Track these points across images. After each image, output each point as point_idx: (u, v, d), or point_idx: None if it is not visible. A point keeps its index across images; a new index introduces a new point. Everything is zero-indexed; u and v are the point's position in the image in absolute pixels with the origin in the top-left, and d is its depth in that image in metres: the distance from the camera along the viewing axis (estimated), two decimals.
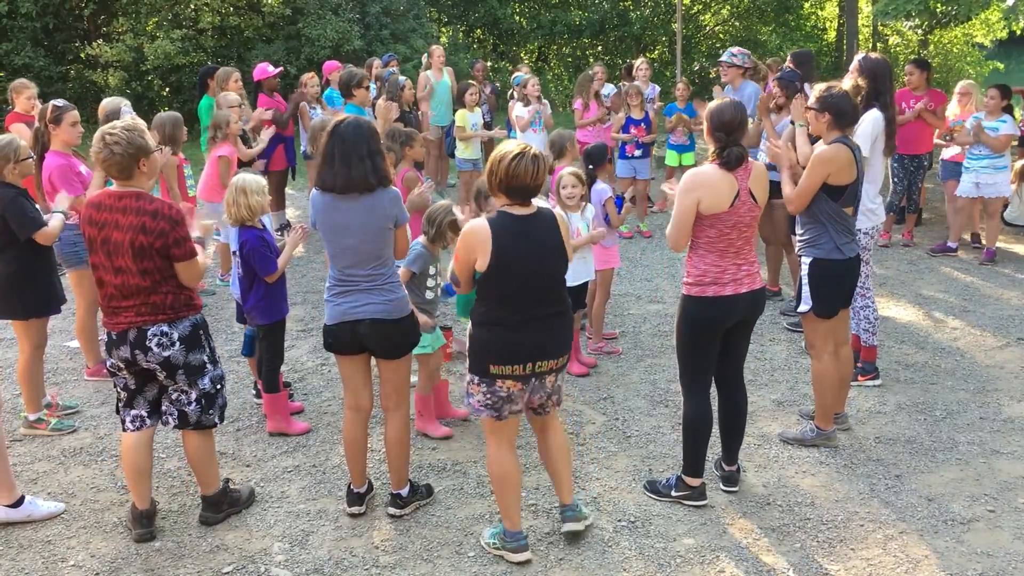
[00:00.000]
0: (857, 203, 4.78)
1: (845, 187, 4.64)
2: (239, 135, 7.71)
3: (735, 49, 8.30)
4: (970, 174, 8.40)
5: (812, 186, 4.65)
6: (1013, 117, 8.39)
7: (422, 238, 5.06)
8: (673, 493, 4.43)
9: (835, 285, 4.80)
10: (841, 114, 4.69)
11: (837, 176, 4.62)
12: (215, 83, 8.61)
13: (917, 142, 8.65)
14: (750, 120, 7.56)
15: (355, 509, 4.42)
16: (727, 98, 4.89)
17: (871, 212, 5.35)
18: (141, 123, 4.14)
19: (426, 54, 11.52)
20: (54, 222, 5.14)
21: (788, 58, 7.75)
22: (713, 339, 4.30)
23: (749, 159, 4.21)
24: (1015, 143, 8.66)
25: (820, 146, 4.76)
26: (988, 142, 8.16)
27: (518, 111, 9.48)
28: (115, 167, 3.95)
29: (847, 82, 5.06)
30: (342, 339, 4.21)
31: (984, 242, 8.62)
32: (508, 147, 3.81)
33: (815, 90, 4.82)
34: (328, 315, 4.23)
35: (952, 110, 8.74)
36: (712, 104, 4.30)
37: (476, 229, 3.79)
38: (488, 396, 3.88)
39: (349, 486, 4.46)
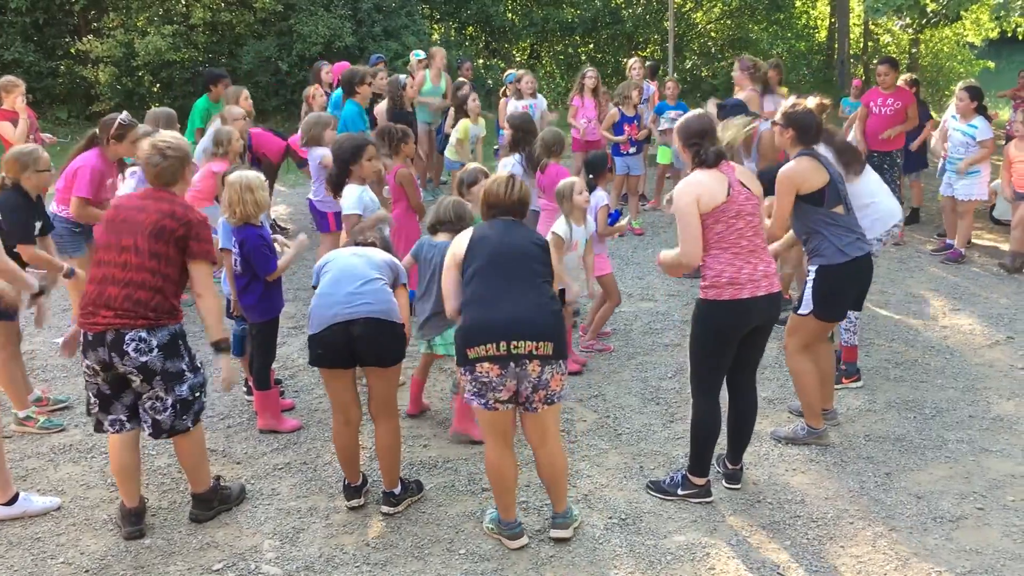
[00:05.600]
0: (846, 201, 4.78)
1: (822, 190, 4.67)
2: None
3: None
4: (946, 174, 8.52)
5: (785, 206, 4.74)
6: (987, 118, 8.41)
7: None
8: (679, 492, 4.45)
9: (843, 289, 4.80)
10: (804, 130, 4.78)
11: (807, 184, 4.67)
12: (221, 92, 8.61)
13: (885, 140, 8.69)
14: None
15: (354, 502, 4.43)
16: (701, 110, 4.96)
17: (879, 220, 5.30)
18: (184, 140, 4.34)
19: (415, 53, 11.36)
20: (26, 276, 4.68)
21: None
22: (730, 345, 4.26)
23: (728, 160, 4.26)
24: (1001, 142, 8.70)
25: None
26: (977, 158, 8.17)
27: (511, 107, 9.43)
28: (166, 173, 4.09)
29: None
30: (334, 344, 4.14)
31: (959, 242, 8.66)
32: (495, 176, 4.23)
33: (781, 106, 4.93)
34: (315, 324, 4.17)
35: (951, 112, 8.76)
36: (680, 120, 4.43)
37: (461, 237, 4.13)
38: (473, 384, 3.88)
39: (345, 482, 4.46)
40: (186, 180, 4.22)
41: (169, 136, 4.20)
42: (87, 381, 4.14)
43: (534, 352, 3.79)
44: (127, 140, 5.94)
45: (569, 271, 5.55)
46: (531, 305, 3.83)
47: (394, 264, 4.45)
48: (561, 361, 3.91)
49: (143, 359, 3.97)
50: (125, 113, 6.17)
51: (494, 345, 3.77)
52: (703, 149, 4.19)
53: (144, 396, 4.08)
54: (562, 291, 5.76)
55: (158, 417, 4.10)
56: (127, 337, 3.94)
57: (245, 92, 8.63)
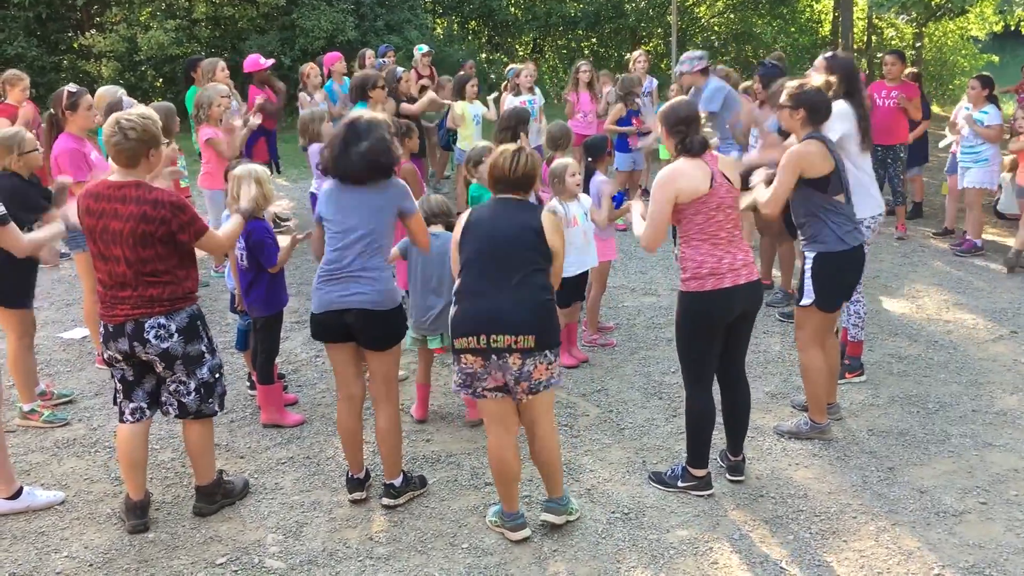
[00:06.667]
0: (847, 190, 4.76)
1: (827, 176, 4.64)
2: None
3: (683, 56, 7.98)
4: (958, 167, 8.52)
5: (786, 185, 4.63)
6: (998, 107, 8.40)
7: None
8: (680, 484, 4.45)
9: (839, 278, 4.79)
10: (815, 110, 4.66)
11: (813, 169, 4.61)
12: (200, 75, 8.57)
13: (889, 133, 8.66)
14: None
15: (357, 495, 4.43)
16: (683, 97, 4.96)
17: (871, 202, 5.33)
18: (155, 113, 4.15)
19: (418, 48, 11.29)
20: (41, 233, 4.69)
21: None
22: (715, 335, 4.28)
23: (711, 148, 4.28)
24: (1007, 135, 8.69)
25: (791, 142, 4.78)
26: (981, 133, 8.20)
27: (509, 102, 9.41)
28: (125, 153, 3.94)
29: (817, 79, 5.02)
30: (329, 327, 4.22)
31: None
32: (503, 147, 4.08)
33: (787, 87, 4.80)
34: (315, 303, 4.23)
35: (963, 103, 8.74)
36: (664, 105, 4.41)
37: (460, 219, 4.09)
38: (459, 374, 3.96)
39: (348, 474, 4.47)
40: (151, 163, 4.04)
41: (136, 114, 4.00)
42: (112, 368, 4.19)
43: (513, 346, 3.82)
44: (81, 108, 5.90)
45: (576, 248, 5.50)
46: (514, 298, 3.84)
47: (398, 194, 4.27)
48: (547, 351, 3.88)
49: (164, 345, 4.01)
50: (72, 84, 6.20)
51: (475, 338, 3.84)
52: (688, 137, 4.20)
53: (168, 380, 4.14)
54: (574, 279, 5.77)
55: (183, 400, 4.16)
56: (147, 325, 3.98)
57: (221, 63, 8.58)
